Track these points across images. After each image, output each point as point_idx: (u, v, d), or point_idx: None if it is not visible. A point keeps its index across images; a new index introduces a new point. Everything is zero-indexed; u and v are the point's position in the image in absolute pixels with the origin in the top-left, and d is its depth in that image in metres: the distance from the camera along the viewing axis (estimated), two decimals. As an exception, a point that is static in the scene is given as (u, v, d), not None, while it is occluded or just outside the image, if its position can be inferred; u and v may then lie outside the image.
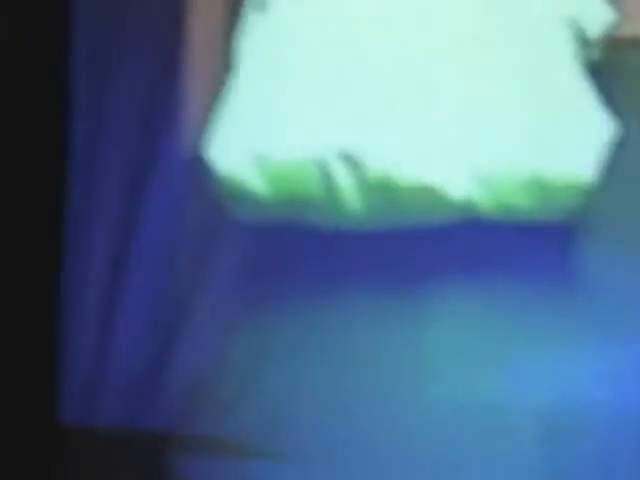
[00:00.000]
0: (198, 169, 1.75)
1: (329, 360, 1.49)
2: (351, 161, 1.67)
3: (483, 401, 1.36)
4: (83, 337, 1.80)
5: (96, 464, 1.74)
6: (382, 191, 1.65)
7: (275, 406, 1.46)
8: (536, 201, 1.63)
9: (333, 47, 1.75)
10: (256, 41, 1.78)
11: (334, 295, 1.63)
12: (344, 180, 1.67)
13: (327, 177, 1.69)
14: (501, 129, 1.64)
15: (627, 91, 1.74)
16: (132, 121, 1.82)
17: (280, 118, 1.74)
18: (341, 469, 1.38)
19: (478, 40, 1.69)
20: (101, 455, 1.75)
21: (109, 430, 1.81)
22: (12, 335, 1.86)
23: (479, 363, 1.45)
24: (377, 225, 1.70)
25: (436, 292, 1.60)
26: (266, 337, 1.60)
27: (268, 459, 1.46)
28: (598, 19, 1.79)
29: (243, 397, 1.49)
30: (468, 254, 1.66)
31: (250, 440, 1.47)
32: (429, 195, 1.62)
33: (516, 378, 1.38)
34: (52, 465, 1.86)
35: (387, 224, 1.69)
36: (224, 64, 1.83)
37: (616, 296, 1.54)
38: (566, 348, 1.44)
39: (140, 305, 1.78)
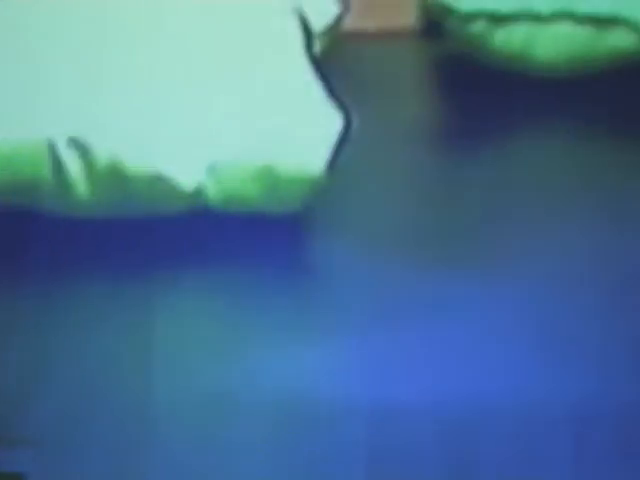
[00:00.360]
0: None
1: (62, 345, 1.45)
2: (80, 147, 1.64)
3: (213, 391, 1.35)
4: None
5: None
6: (111, 178, 1.64)
7: (12, 389, 1.38)
8: (266, 193, 1.65)
9: (65, 32, 1.75)
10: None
11: (65, 281, 1.62)
12: (73, 166, 1.64)
13: (56, 162, 1.66)
14: (230, 120, 1.65)
15: (351, 84, 1.83)
16: None
17: (6, 100, 1.70)
18: (81, 453, 1.32)
19: (201, 28, 1.72)
20: None
21: None
22: None
23: (209, 353, 1.44)
24: (107, 212, 1.70)
25: (165, 282, 1.60)
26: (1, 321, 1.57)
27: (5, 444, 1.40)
28: (323, 11, 1.85)
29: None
30: (198, 245, 1.68)
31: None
32: (159, 184, 1.61)
33: (248, 369, 1.39)
34: None
35: (117, 211, 1.70)
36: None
37: (348, 289, 1.57)
38: (299, 339, 1.45)
39: None
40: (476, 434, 1.24)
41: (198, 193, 1.67)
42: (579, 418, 1.25)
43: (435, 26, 2.31)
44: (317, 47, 1.78)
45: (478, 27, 2.20)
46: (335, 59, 1.87)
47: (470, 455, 1.22)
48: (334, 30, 1.92)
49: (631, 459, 1.21)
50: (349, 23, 2.05)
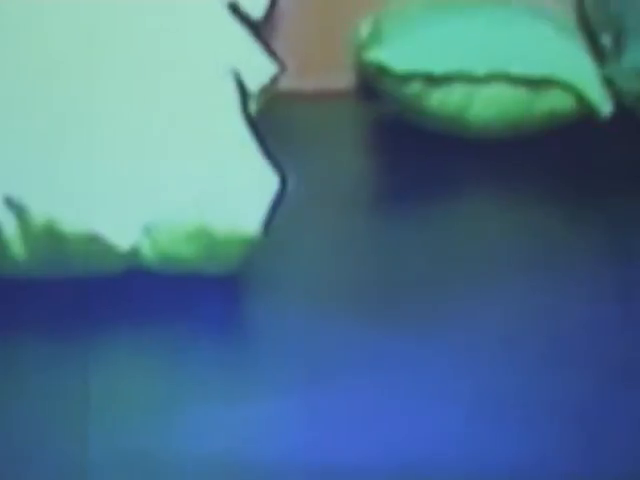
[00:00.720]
0: None
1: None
2: (16, 207, 1.71)
3: (148, 448, 1.38)
4: None
5: None
6: (47, 238, 1.71)
7: None
8: (202, 253, 1.73)
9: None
10: None
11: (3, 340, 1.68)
12: (8, 226, 1.72)
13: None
14: (166, 180, 1.73)
15: (287, 144, 1.92)
16: None
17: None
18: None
19: (139, 89, 1.78)
20: None
21: None
22: None
23: (144, 410, 1.49)
24: (43, 272, 1.76)
25: (102, 340, 1.65)
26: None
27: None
28: (259, 71, 1.91)
29: None
30: (134, 303, 1.74)
31: None
32: (95, 244, 1.68)
33: (183, 426, 1.42)
34: None
35: (53, 271, 1.76)
36: None
37: (283, 346, 1.64)
38: (234, 397, 1.51)
39: None
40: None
41: (134, 253, 1.73)
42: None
43: (371, 87, 2.41)
44: (253, 107, 1.86)
45: (414, 89, 2.29)
46: (271, 119, 1.96)
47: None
48: (270, 90, 1.99)
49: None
50: (285, 83, 2.12)
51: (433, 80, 2.27)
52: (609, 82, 2.30)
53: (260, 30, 1.97)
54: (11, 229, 1.74)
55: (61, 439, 1.39)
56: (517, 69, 2.30)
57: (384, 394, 1.47)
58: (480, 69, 2.29)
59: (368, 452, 1.35)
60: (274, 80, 1.96)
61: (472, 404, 1.44)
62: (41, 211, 1.70)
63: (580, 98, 2.31)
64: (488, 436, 1.36)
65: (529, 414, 1.42)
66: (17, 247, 1.74)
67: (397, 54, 2.29)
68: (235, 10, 1.91)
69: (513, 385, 1.49)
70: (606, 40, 2.37)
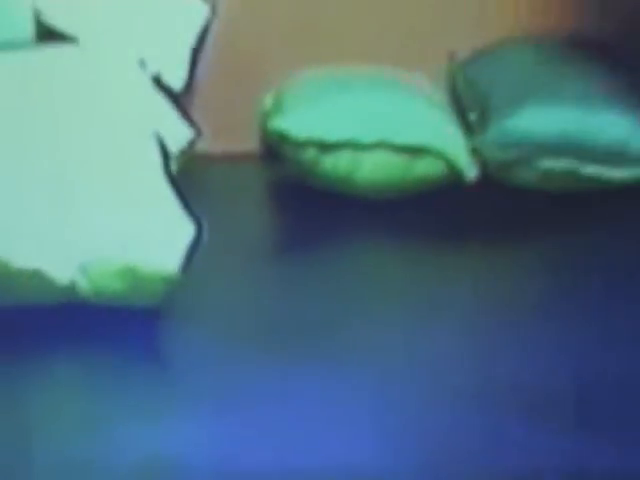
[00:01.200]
0: None
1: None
2: None
3: (79, 460, 1.49)
4: None
5: None
6: None
7: None
8: (129, 289, 1.87)
9: None
10: None
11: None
12: None
13: None
14: (99, 226, 1.91)
15: (201, 199, 2.07)
16: None
17: None
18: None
19: (80, 147, 1.96)
20: None
21: None
22: None
23: (77, 426, 1.59)
24: None
25: (41, 364, 1.79)
26: None
27: None
28: (178, 136, 2.08)
29: None
30: (71, 332, 1.89)
31: None
32: (38, 278, 1.84)
33: (109, 441, 1.53)
34: None
35: (1, 302, 1.92)
36: None
37: (196, 373, 1.77)
38: (153, 416, 1.60)
39: None
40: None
41: (72, 287, 1.89)
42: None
43: (274, 152, 2.57)
44: (174, 167, 2.04)
45: (309, 154, 2.43)
46: (188, 178, 2.10)
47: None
48: (188, 152, 2.17)
49: None
50: (201, 146, 2.30)
51: (326, 147, 2.42)
52: (475, 152, 2.45)
53: (179, 99, 2.14)
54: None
55: (6, 452, 1.51)
56: (397, 139, 2.42)
57: (289, 422, 1.57)
58: (366, 138, 2.42)
59: (272, 472, 1.44)
60: (191, 143, 2.15)
61: (374, 432, 1.53)
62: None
63: (450, 165, 2.45)
64: (393, 464, 1.44)
65: (426, 441, 1.51)
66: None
67: (295, 123, 2.42)
68: (158, 82, 2.08)
69: (411, 414, 1.59)
70: (473, 116, 2.55)
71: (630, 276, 2.08)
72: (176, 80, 2.17)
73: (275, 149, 2.55)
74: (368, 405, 1.60)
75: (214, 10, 2.25)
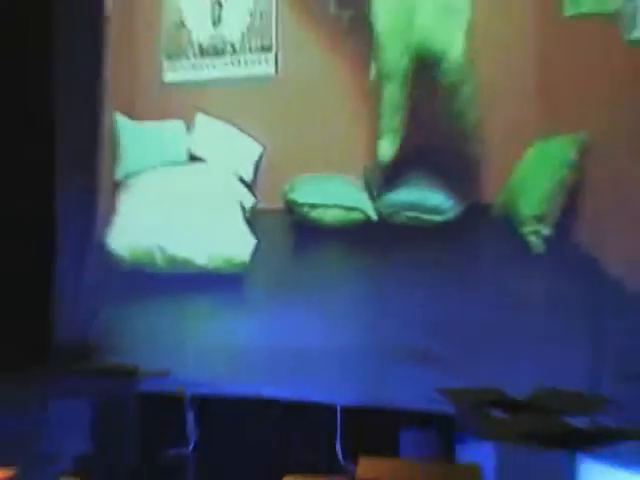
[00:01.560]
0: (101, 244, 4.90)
1: None
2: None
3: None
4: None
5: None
6: None
7: None
8: (231, 267, 4.84)
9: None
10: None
11: None
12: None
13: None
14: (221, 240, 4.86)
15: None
16: (75, 227, 4.85)
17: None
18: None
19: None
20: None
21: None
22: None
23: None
24: None
25: None
26: None
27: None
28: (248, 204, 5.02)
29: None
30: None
31: None
32: None
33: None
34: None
35: None
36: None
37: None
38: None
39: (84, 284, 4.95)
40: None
41: (206, 267, 4.92)
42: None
43: (289, 209, 5.24)
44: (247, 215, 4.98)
45: (305, 208, 5.14)
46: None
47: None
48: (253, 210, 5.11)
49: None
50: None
51: (312, 206, 5.11)
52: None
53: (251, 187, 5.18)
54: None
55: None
56: (343, 202, 5.02)
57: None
58: (329, 202, 5.05)
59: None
60: (254, 207, 5.18)
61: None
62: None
63: (366, 214, 4.99)
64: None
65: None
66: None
67: (298, 196, 5.10)
68: (241, 179, 5.16)
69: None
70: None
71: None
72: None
73: (289, 207, 5.16)
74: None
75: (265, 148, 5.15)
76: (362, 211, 5.01)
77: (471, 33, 4.78)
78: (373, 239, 5.07)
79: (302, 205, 5.12)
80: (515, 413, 3.89)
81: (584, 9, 4.57)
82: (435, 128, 4.91)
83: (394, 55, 4.92)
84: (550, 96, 4.73)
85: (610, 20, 4.41)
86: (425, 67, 4.89)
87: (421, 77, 4.91)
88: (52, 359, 5.23)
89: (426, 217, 4.93)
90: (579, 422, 3.63)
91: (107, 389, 4.84)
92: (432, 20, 4.86)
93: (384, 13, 4.93)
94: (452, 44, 4.85)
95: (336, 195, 5.08)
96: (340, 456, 4.89)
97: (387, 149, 4.97)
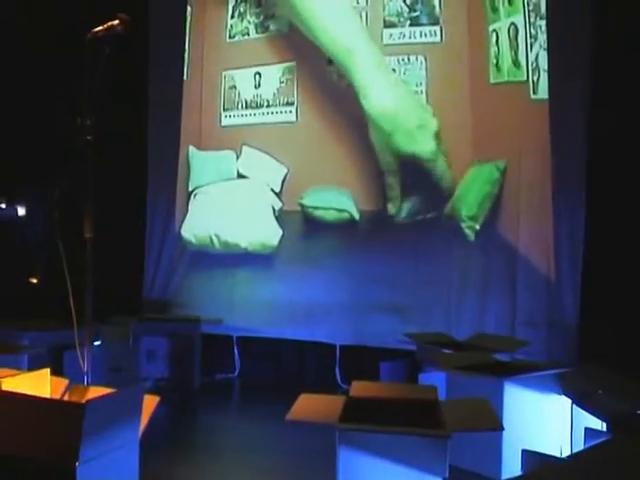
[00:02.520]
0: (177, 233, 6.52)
1: None
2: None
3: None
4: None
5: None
6: None
7: None
8: (264, 249, 6.38)
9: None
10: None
11: None
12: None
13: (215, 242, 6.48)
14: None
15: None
16: (160, 221, 6.48)
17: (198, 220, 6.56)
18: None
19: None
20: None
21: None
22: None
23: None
24: None
25: None
26: None
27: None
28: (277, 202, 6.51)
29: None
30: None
31: None
32: None
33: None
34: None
35: None
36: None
37: None
38: None
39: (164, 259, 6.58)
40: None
41: (245, 249, 6.51)
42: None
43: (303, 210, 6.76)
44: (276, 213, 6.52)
45: (310, 208, 6.50)
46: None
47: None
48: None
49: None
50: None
51: (315, 208, 6.68)
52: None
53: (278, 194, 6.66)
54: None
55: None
56: (336, 205, 6.58)
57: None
58: (327, 206, 6.50)
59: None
60: (281, 207, 6.64)
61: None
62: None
63: (351, 215, 6.51)
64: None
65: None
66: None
67: (308, 201, 6.45)
68: (272, 190, 6.62)
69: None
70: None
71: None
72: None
73: (302, 209, 6.40)
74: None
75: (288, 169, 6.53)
76: (349, 212, 6.28)
77: (438, 136, 5.89)
78: (357, 231, 6.31)
79: (310, 207, 6.43)
80: (459, 350, 4.75)
81: (504, 78, 5.75)
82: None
83: (386, 159, 6.08)
84: (481, 137, 5.88)
85: (521, 85, 5.63)
86: (410, 161, 6.02)
87: (408, 166, 6.04)
88: (142, 310, 6.67)
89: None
90: (503, 357, 4.44)
91: (179, 332, 6.08)
92: (411, 136, 5.95)
93: (376, 133, 6.07)
94: (426, 145, 5.93)
95: (332, 201, 6.35)
96: (339, 380, 6.10)
97: (394, 208, 6.11)
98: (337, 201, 6.29)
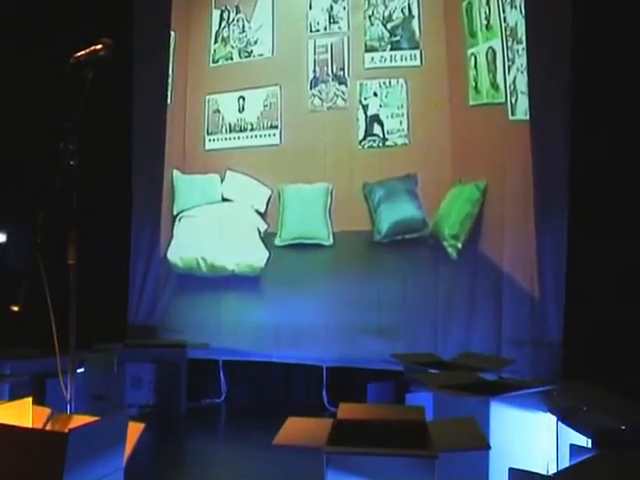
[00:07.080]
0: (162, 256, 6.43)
1: None
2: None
3: None
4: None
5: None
6: None
7: None
8: (251, 271, 6.32)
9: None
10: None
11: None
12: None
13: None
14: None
15: None
16: (144, 245, 6.40)
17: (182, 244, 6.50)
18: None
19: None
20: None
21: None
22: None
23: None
24: None
25: None
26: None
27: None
28: (262, 224, 6.46)
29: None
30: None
31: None
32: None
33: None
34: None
35: None
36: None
37: None
38: None
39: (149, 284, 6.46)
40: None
41: (231, 271, 6.47)
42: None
43: None
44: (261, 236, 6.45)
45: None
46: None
47: None
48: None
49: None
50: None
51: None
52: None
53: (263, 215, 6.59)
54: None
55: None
56: (311, 236, 6.73)
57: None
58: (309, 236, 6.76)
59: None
60: (266, 231, 6.59)
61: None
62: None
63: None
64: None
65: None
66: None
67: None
68: (254, 208, 6.55)
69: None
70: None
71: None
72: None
73: None
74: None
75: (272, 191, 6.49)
76: (319, 242, 6.37)
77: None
78: (343, 252, 6.26)
79: (285, 246, 6.43)
80: (445, 370, 4.72)
81: (482, 100, 5.82)
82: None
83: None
84: (461, 157, 5.90)
85: (500, 107, 5.69)
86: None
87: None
88: (127, 336, 6.59)
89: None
90: (489, 376, 4.39)
91: (164, 357, 5.99)
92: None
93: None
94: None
95: (304, 233, 6.40)
96: (326, 403, 6.01)
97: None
98: (310, 231, 6.31)
